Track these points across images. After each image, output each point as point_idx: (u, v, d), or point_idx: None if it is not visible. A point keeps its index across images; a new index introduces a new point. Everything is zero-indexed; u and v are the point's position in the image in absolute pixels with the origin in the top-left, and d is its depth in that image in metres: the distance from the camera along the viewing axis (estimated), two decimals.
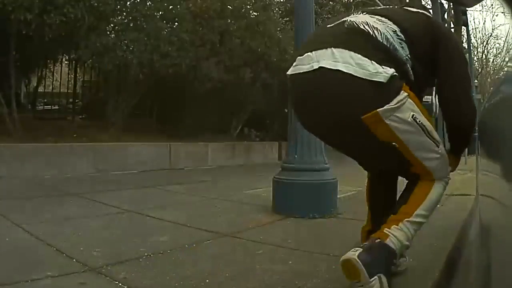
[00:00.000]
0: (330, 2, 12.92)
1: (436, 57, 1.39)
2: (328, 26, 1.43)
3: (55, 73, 9.52)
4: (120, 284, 1.56)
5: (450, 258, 1.91)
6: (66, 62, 8.02)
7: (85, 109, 8.05)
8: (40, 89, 8.73)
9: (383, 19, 1.35)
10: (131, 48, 5.66)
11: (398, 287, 1.65)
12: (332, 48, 1.27)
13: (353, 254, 1.26)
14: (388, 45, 1.29)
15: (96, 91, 8.55)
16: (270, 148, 8.88)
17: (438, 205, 1.45)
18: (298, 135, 3.09)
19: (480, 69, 20.92)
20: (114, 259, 1.86)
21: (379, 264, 1.26)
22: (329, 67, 1.25)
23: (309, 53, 1.33)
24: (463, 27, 11.49)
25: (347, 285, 1.64)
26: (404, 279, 1.72)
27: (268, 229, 2.58)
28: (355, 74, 1.21)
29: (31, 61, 7.31)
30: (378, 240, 1.32)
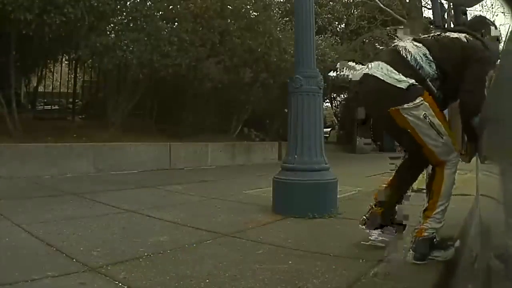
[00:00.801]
0: (330, 2, 12.94)
1: (466, 67, 1.86)
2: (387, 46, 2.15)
3: (55, 73, 9.52)
4: (120, 284, 1.57)
5: (450, 258, 1.91)
6: (66, 62, 8.02)
7: (85, 109, 8.05)
8: (40, 89, 8.73)
9: (418, 44, 1.91)
10: (131, 48, 5.65)
11: (398, 287, 1.66)
12: (379, 62, 1.92)
13: (412, 255, 1.89)
14: (416, 65, 1.85)
15: (96, 91, 8.54)
16: (270, 148, 8.88)
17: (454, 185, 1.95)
18: (298, 135, 3.08)
19: None
20: (114, 259, 1.86)
21: (428, 250, 1.88)
22: (371, 73, 1.89)
23: (368, 63, 1.99)
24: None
25: (347, 286, 1.65)
26: (404, 279, 1.72)
27: (268, 229, 2.58)
28: (386, 80, 1.83)
29: (31, 61, 7.31)
30: (420, 237, 1.88)
